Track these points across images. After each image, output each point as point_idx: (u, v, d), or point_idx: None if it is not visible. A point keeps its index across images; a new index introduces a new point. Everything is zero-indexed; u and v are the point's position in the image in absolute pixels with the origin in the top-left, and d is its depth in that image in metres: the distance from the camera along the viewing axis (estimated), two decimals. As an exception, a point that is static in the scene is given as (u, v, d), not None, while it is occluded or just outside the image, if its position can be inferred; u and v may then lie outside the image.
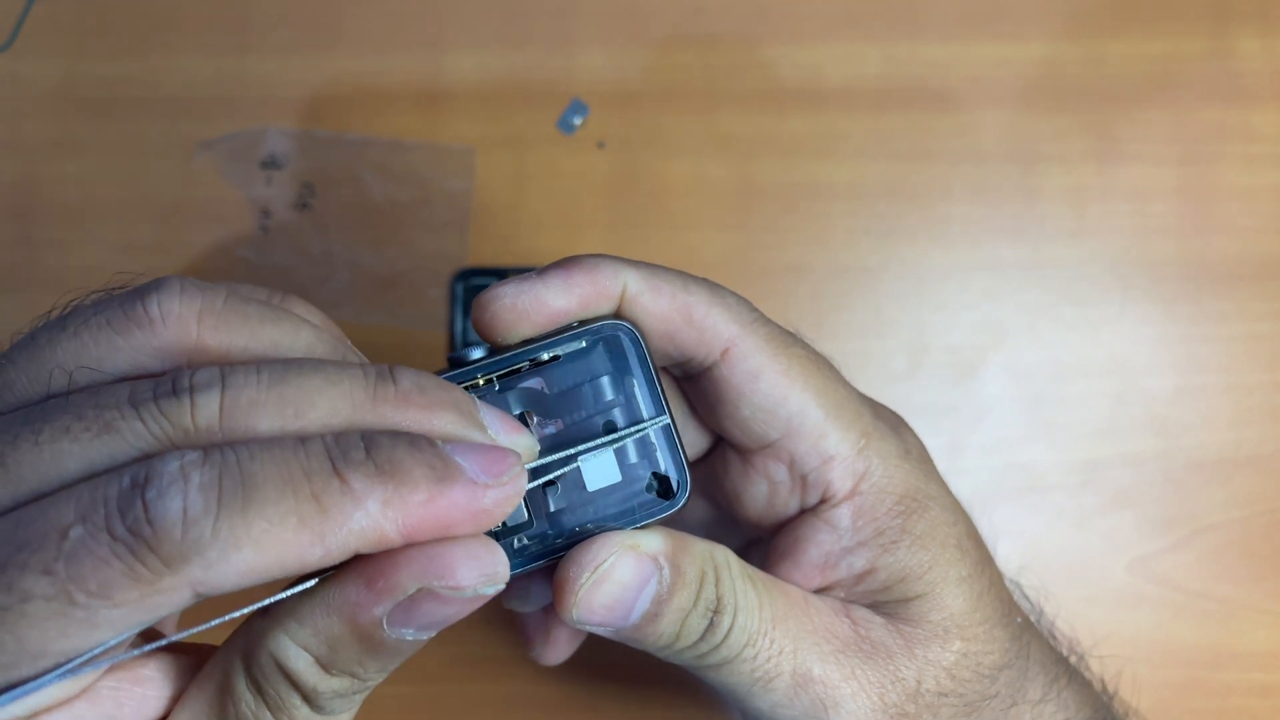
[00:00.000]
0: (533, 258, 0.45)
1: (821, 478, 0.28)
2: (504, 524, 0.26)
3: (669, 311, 0.27)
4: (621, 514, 0.26)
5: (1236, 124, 0.46)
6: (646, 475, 0.26)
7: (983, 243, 0.46)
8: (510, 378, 0.26)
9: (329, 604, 0.21)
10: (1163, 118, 0.46)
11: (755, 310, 0.28)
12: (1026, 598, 0.34)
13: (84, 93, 0.46)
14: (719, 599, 0.26)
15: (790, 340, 0.28)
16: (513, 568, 0.26)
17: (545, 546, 0.26)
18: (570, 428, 0.26)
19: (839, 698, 0.27)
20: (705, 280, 0.28)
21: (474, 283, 0.45)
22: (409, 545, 0.21)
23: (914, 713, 0.27)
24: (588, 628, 0.26)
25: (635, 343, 0.26)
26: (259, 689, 0.22)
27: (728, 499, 0.31)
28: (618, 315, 0.27)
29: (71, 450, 0.20)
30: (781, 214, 0.46)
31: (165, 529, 0.19)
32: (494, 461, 0.21)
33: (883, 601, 0.28)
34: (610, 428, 0.26)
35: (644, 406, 0.26)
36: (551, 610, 0.30)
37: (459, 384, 0.25)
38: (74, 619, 0.19)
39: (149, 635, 0.22)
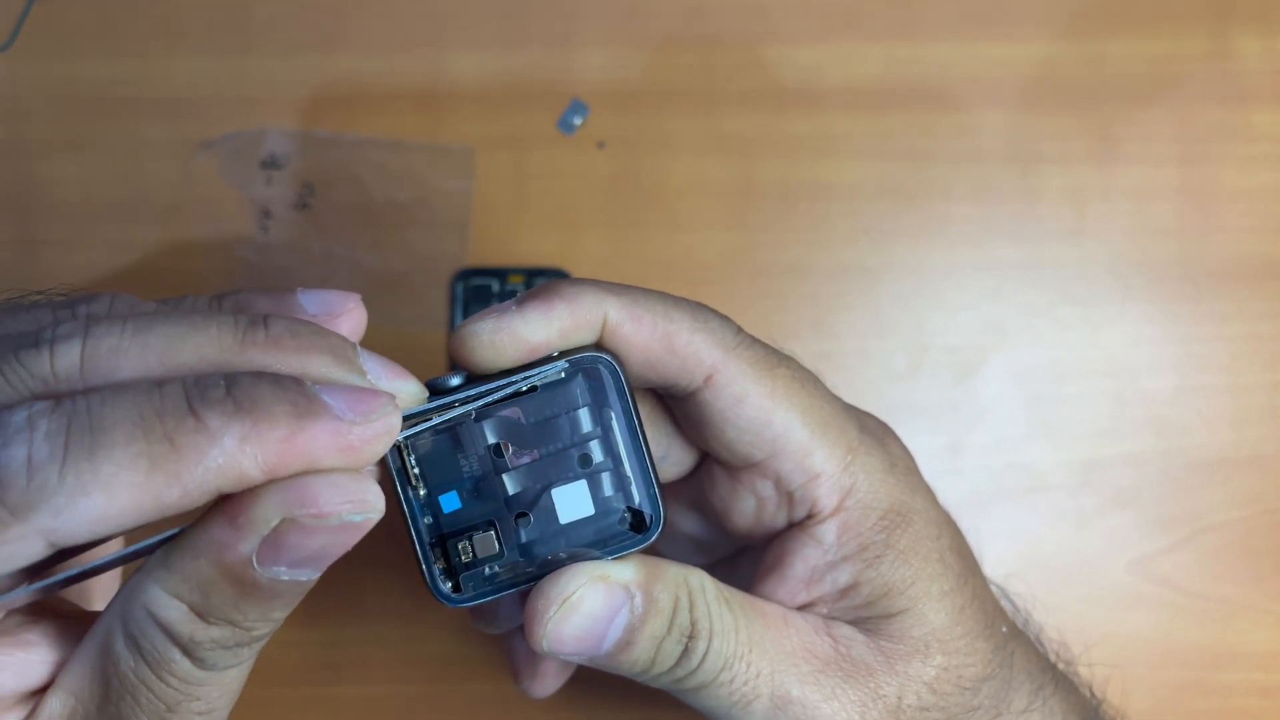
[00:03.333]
0: (533, 258, 0.45)
1: (808, 495, 0.28)
2: (474, 554, 0.26)
3: (650, 341, 0.27)
4: (594, 544, 0.26)
5: (1236, 124, 0.46)
6: (620, 508, 0.26)
7: (983, 243, 0.46)
8: (482, 410, 0.26)
9: (195, 546, 0.20)
10: (1163, 118, 0.46)
11: (740, 333, 0.28)
12: (1014, 605, 0.34)
13: (84, 93, 0.46)
14: (693, 624, 0.26)
15: (775, 361, 0.28)
16: (483, 595, 0.26)
17: (516, 575, 0.26)
18: (545, 458, 0.26)
19: (818, 717, 0.27)
20: (690, 304, 0.28)
21: (474, 283, 0.45)
22: (270, 484, 0.20)
23: None
24: (561, 656, 0.26)
25: (614, 375, 0.26)
26: (137, 645, 0.21)
27: (716, 513, 0.31)
28: (599, 346, 0.27)
29: None
30: (781, 214, 0.46)
31: (9, 478, 0.19)
32: (361, 400, 0.21)
33: (866, 617, 0.28)
34: (585, 460, 0.26)
35: (621, 440, 0.26)
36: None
37: (435, 410, 0.25)
38: None
39: (51, 607, 0.22)
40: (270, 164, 0.45)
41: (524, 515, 0.26)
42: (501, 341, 0.25)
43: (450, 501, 0.26)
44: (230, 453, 0.19)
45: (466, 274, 0.45)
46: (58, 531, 0.19)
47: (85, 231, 0.45)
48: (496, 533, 0.26)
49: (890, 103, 0.46)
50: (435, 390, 0.25)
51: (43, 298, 0.24)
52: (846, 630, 0.28)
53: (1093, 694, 0.34)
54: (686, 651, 0.26)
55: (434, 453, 0.26)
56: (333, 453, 0.20)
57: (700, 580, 0.27)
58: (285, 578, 0.21)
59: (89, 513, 0.19)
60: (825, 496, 0.28)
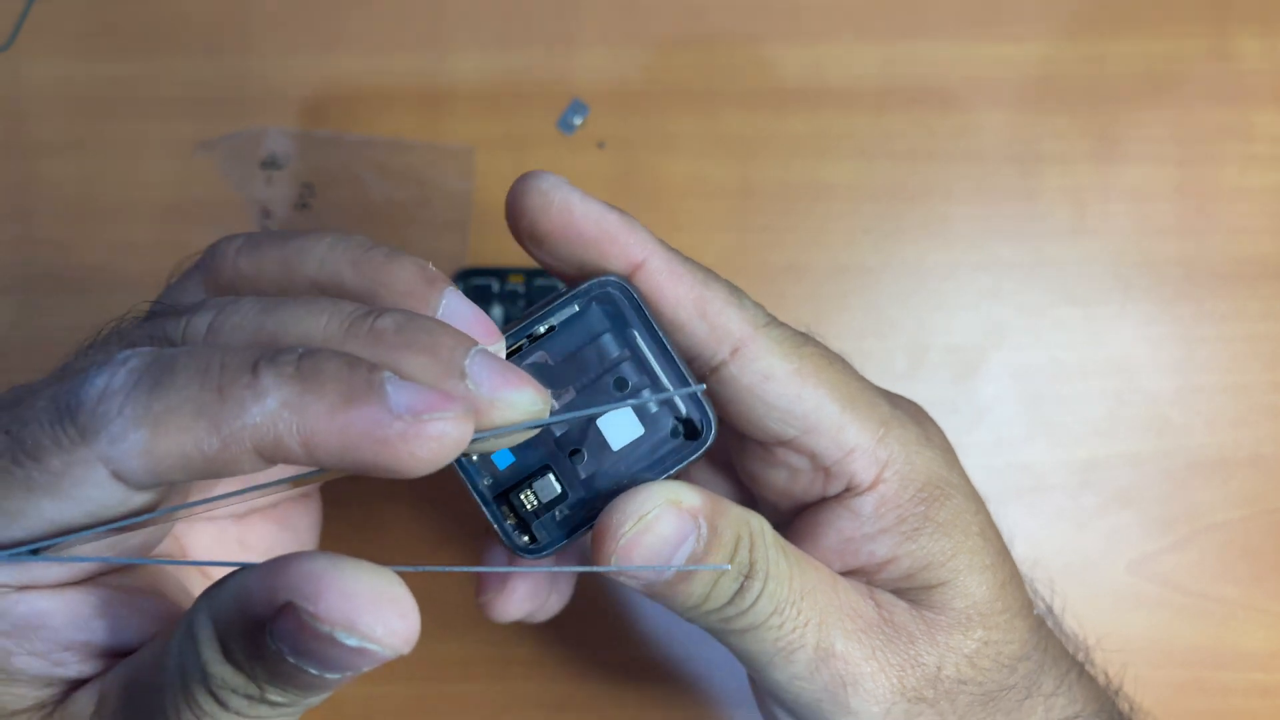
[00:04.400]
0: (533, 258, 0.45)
1: (845, 469, 0.28)
2: (538, 501, 0.26)
3: (685, 300, 0.27)
4: (652, 465, 0.26)
5: (1236, 124, 0.46)
6: (669, 422, 0.26)
7: (983, 243, 0.46)
8: (512, 358, 0.26)
9: (239, 580, 0.20)
10: (1163, 118, 0.46)
11: (770, 316, 0.28)
12: (1038, 593, 0.34)
13: (84, 93, 0.46)
14: (751, 564, 0.26)
15: (802, 340, 0.28)
16: (559, 539, 0.26)
17: (588, 512, 0.26)
18: (582, 392, 0.26)
19: (859, 676, 0.27)
20: (728, 282, 0.28)
21: (474, 283, 0.45)
22: (304, 557, 0.19)
23: (932, 698, 0.27)
24: (623, 579, 0.25)
25: (626, 294, 0.26)
26: (179, 645, 0.20)
27: (748, 479, 0.31)
28: (604, 274, 0.26)
29: (94, 358, 0.22)
30: (781, 214, 0.46)
31: (85, 400, 0.20)
32: (424, 400, 0.20)
33: (905, 589, 0.28)
34: (621, 384, 0.26)
35: (651, 356, 0.26)
36: (515, 559, 0.30)
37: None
38: (14, 478, 0.20)
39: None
40: (270, 164, 0.45)
41: (576, 452, 0.26)
42: (555, 199, 0.25)
43: (503, 457, 0.26)
44: (270, 413, 0.20)
45: (466, 274, 0.45)
46: (112, 460, 0.20)
47: (85, 231, 0.45)
48: (555, 475, 0.26)
49: (890, 103, 0.46)
50: None
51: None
52: (889, 597, 0.28)
53: (1109, 684, 0.34)
54: (741, 590, 0.26)
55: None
56: (369, 444, 0.20)
57: (760, 524, 0.27)
58: (290, 660, 0.19)
59: (136, 445, 0.20)
60: (862, 470, 0.28)
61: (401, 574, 0.19)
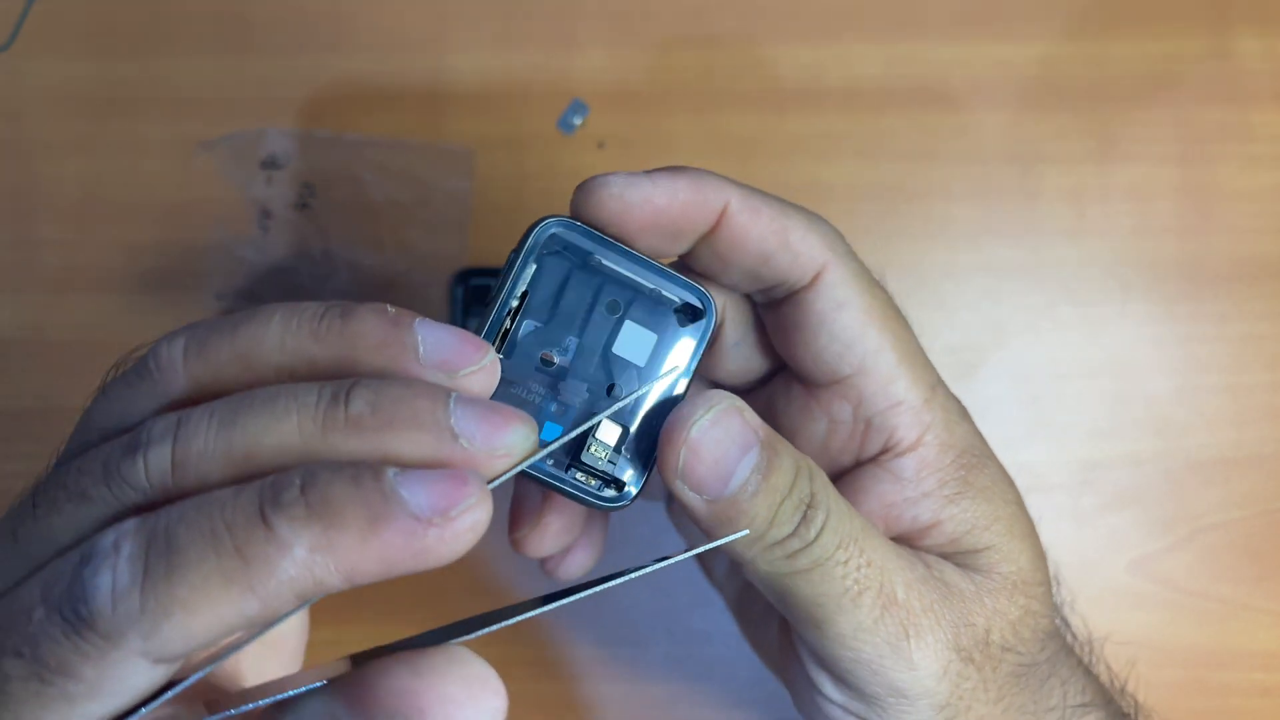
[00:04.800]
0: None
1: (887, 423, 0.28)
2: (608, 448, 0.26)
3: (767, 233, 0.27)
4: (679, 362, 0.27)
5: (1236, 124, 0.46)
6: (671, 316, 0.27)
7: (983, 243, 0.46)
8: (507, 342, 0.26)
9: (328, 710, 0.20)
10: (1163, 118, 0.46)
11: (847, 243, 0.28)
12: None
13: (84, 93, 0.46)
14: (813, 494, 0.26)
15: (876, 282, 0.28)
16: (639, 477, 0.26)
17: (652, 438, 0.26)
18: (585, 335, 0.26)
19: (920, 628, 0.26)
20: (803, 207, 0.28)
21: (474, 283, 0.45)
22: (383, 673, 0.19)
23: (980, 661, 0.27)
24: (685, 492, 0.25)
25: (568, 226, 0.26)
26: None
27: (784, 435, 0.31)
28: (533, 226, 0.26)
29: (56, 522, 0.21)
30: (781, 214, 0.46)
31: (98, 607, 0.19)
32: (443, 494, 0.20)
33: (950, 554, 0.28)
34: (614, 306, 0.26)
35: (625, 270, 0.26)
36: (549, 496, 0.30)
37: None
38: (49, 696, 0.19)
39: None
40: (270, 164, 0.45)
41: (611, 387, 0.26)
42: (631, 197, 0.25)
43: (549, 431, 0.26)
44: (302, 563, 0.19)
45: (466, 274, 0.45)
46: (154, 652, 0.19)
47: (85, 231, 0.45)
48: (607, 419, 0.26)
49: (890, 103, 0.46)
50: None
51: (135, 358, 0.24)
52: (936, 559, 0.28)
53: (1113, 679, 0.34)
54: (805, 519, 0.25)
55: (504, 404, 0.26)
56: (409, 558, 0.19)
57: (815, 466, 0.26)
58: None
59: (175, 631, 0.19)
60: (905, 428, 0.28)
61: (464, 640, 0.20)
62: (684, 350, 0.27)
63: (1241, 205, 0.46)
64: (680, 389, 0.27)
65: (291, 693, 0.21)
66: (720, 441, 0.24)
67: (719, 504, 0.25)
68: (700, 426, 0.24)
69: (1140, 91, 0.46)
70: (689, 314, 0.27)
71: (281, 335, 0.22)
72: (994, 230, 0.46)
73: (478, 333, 0.25)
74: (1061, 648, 0.29)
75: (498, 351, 0.25)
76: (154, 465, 0.21)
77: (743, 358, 0.31)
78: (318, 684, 0.21)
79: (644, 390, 0.26)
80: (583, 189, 0.26)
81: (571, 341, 0.26)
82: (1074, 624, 0.35)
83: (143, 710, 0.20)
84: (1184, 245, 0.45)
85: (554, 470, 0.26)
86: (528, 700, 0.44)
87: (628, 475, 0.26)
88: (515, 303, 0.26)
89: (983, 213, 0.46)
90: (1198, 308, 0.45)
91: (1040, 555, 0.29)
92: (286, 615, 0.20)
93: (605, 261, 0.26)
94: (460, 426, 0.21)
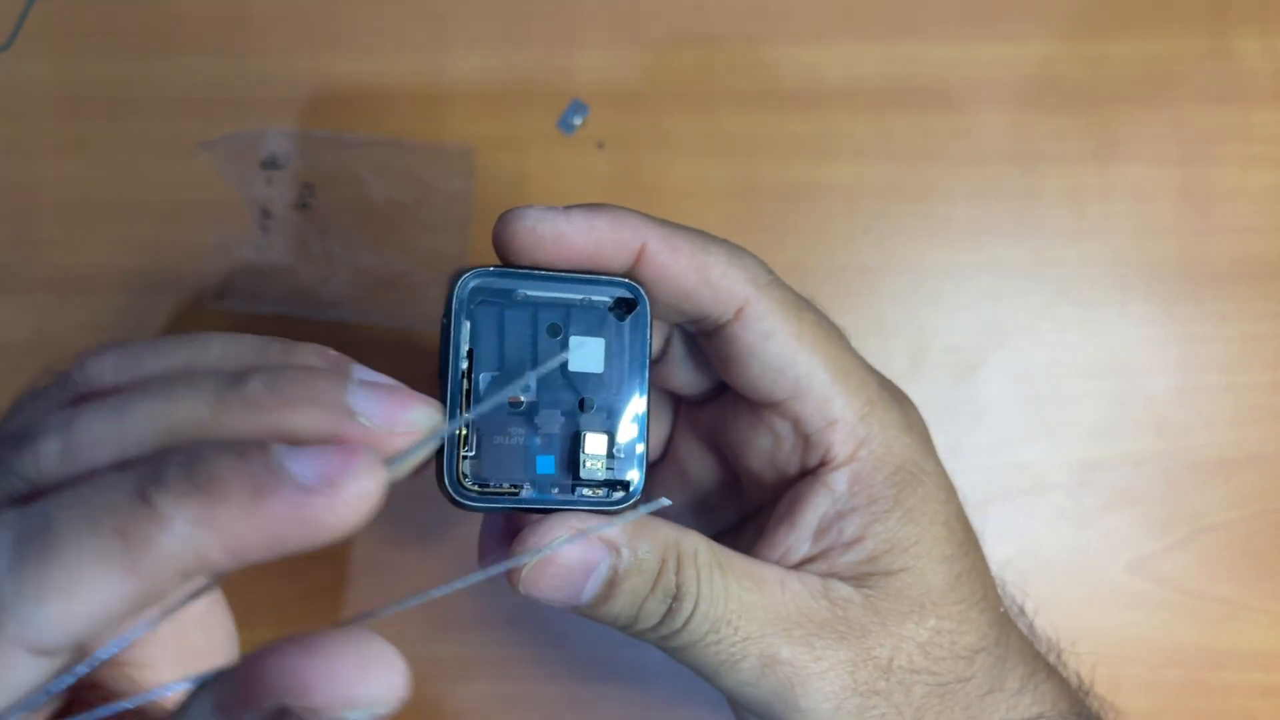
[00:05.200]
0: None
1: (824, 439, 0.29)
2: (599, 453, 0.26)
3: (687, 270, 0.27)
4: (634, 356, 0.27)
5: (1236, 124, 0.46)
6: (609, 316, 0.27)
7: (983, 243, 0.46)
8: (472, 402, 0.26)
9: (215, 697, 0.19)
10: (1163, 118, 0.46)
11: (771, 273, 0.29)
12: (1008, 593, 0.34)
13: (84, 93, 0.46)
14: (679, 586, 0.26)
15: (804, 305, 0.29)
16: (641, 477, 0.27)
17: (630, 439, 0.27)
18: (530, 363, 0.27)
19: (807, 676, 0.27)
20: (724, 241, 0.28)
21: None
22: (270, 655, 0.18)
23: (885, 689, 0.28)
24: (542, 602, 0.26)
25: (485, 273, 0.26)
26: None
27: (733, 449, 0.32)
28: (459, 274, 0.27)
29: None
30: (781, 214, 0.46)
31: None
32: (330, 463, 0.19)
33: (867, 574, 0.28)
34: (556, 328, 0.27)
35: (552, 291, 0.26)
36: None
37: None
38: None
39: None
40: (270, 164, 0.45)
41: (583, 402, 0.27)
42: (543, 232, 0.26)
43: (545, 464, 0.27)
44: (184, 537, 0.18)
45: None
46: (34, 641, 0.19)
47: (85, 231, 0.45)
48: (588, 430, 0.27)
49: (890, 103, 0.46)
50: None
51: (53, 379, 0.23)
52: (845, 590, 0.28)
53: (1080, 682, 0.34)
54: (671, 612, 0.27)
55: (494, 458, 0.26)
56: (296, 529, 0.19)
57: (694, 543, 0.27)
58: None
59: (52, 617, 0.18)
60: (840, 443, 0.28)
61: (370, 621, 0.19)
62: (631, 342, 0.27)
63: (1241, 205, 0.46)
64: (644, 375, 0.27)
65: (179, 687, 0.20)
66: (559, 572, 0.26)
67: (578, 609, 0.26)
68: (535, 565, 0.25)
69: (1140, 91, 0.46)
70: (624, 307, 0.27)
71: (221, 355, 0.22)
72: (994, 230, 0.46)
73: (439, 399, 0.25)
74: (1001, 659, 0.30)
75: (466, 411, 0.25)
76: (44, 455, 0.20)
77: (690, 372, 0.32)
78: (208, 675, 0.20)
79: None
80: (500, 220, 0.26)
81: (530, 375, 0.27)
82: (1041, 628, 0.35)
83: (19, 711, 0.20)
84: (1184, 245, 0.45)
85: (562, 496, 0.26)
86: (528, 700, 0.44)
87: (630, 474, 0.27)
88: (465, 364, 0.26)
89: (983, 213, 0.46)
90: (1198, 308, 0.45)
91: (961, 574, 0.29)
92: (178, 602, 0.20)
93: (530, 292, 0.26)
94: (359, 405, 0.21)
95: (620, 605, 0.26)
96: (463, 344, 0.26)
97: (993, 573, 0.33)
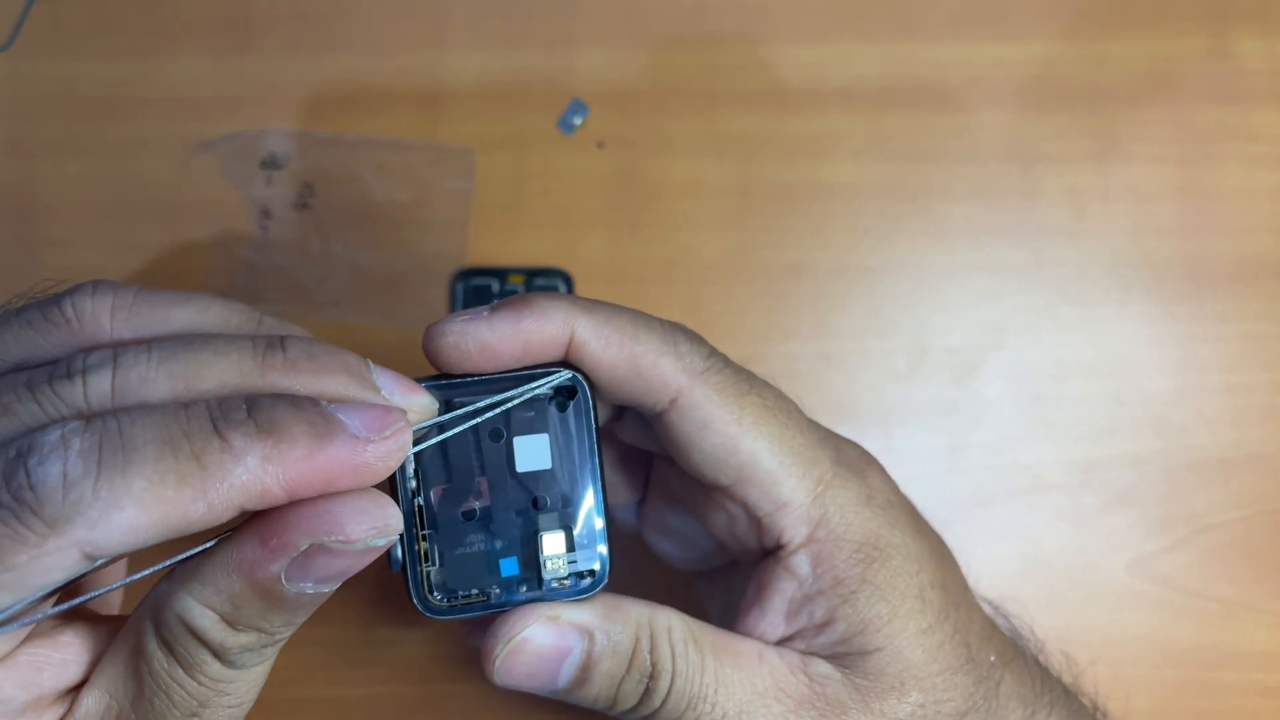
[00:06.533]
0: (533, 258, 0.45)
1: (775, 524, 0.28)
2: (563, 553, 0.27)
3: (616, 360, 0.27)
4: (581, 445, 0.27)
5: (1236, 124, 0.46)
6: (552, 408, 0.27)
7: (983, 243, 0.46)
8: (426, 519, 0.27)
9: (228, 563, 0.22)
10: (1163, 118, 0.46)
11: (712, 357, 0.28)
12: (1012, 625, 0.34)
13: (84, 93, 0.46)
14: (655, 665, 0.27)
15: (746, 388, 0.28)
16: (606, 560, 0.27)
17: (588, 527, 0.27)
18: (489, 469, 0.27)
19: None
20: (662, 325, 0.28)
21: (474, 283, 0.45)
22: (298, 502, 0.21)
23: None
24: (518, 690, 0.27)
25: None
26: (169, 648, 0.22)
27: (697, 515, 0.31)
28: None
29: None
30: (781, 214, 0.46)
31: (46, 493, 0.19)
32: (377, 418, 0.22)
33: (843, 654, 0.28)
34: (498, 432, 0.27)
35: (486, 395, 0.27)
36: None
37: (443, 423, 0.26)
38: None
39: (71, 598, 0.23)
40: (270, 164, 0.45)
41: (536, 500, 0.27)
42: (466, 345, 0.26)
43: (509, 566, 0.27)
44: (253, 471, 0.20)
45: (466, 274, 0.45)
46: (93, 543, 0.20)
47: (85, 231, 0.45)
48: (548, 529, 0.27)
49: (890, 103, 0.46)
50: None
51: (31, 300, 0.24)
52: (824, 668, 0.28)
53: (1095, 708, 0.34)
54: (648, 691, 0.27)
55: (458, 569, 0.27)
56: (349, 470, 0.21)
57: (667, 620, 0.27)
58: (310, 591, 0.22)
59: (121, 525, 0.20)
60: (792, 527, 0.28)
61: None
62: (576, 433, 0.27)
63: (1241, 205, 0.46)
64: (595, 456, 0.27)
65: (184, 556, 0.22)
66: (530, 660, 0.26)
67: (556, 694, 0.27)
68: (507, 653, 0.26)
69: (1140, 91, 0.46)
70: (565, 394, 0.27)
71: (223, 320, 0.24)
72: (994, 230, 0.46)
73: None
74: (993, 710, 0.29)
75: (423, 529, 0.26)
76: (94, 387, 0.21)
77: (648, 430, 0.31)
78: (209, 544, 0.22)
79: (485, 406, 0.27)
80: (426, 334, 0.27)
81: (480, 482, 0.27)
82: (1059, 654, 0.34)
83: (38, 615, 0.21)
84: (1184, 245, 0.45)
85: (530, 593, 0.27)
86: (528, 700, 0.44)
87: (594, 563, 0.27)
88: (414, 483, 0.26)
89: (983, 213, 0.46)
90: (1198, 308, 0.45)
91: (942, 643, 0.29)
92: (216, 531, 0.22)
93: (465, 400, 0.26)
94: (381, 381, 0.24)
95: (597, 688, 0.27)
96: (409, 465, 0.26)
97: (988, 605, 0.32)
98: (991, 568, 0.44)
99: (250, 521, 0.22)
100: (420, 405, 0.25)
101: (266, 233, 0.45)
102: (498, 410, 0.26)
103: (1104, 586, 0.44)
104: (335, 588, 0.22)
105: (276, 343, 0.23)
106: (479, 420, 0.26)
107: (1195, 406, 0.45)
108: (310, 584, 0.22)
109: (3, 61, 0.46)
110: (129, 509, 0.20)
